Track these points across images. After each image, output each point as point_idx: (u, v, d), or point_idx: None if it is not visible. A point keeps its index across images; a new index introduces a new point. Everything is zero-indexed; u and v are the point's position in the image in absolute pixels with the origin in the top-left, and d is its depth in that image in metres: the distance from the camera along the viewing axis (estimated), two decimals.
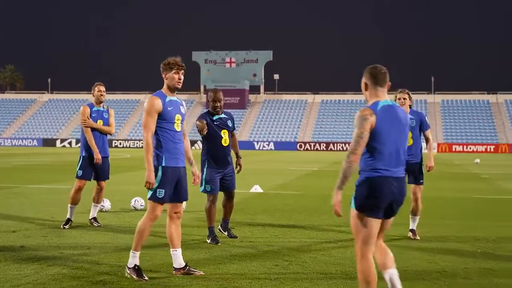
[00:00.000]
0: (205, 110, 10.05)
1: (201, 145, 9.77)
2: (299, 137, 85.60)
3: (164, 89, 7.01)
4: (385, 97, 5.26)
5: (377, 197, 5.10)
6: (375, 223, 5.16)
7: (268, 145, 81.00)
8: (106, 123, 10.88)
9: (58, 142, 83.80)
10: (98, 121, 10.79)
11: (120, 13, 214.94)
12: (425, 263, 7.95)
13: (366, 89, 5.31)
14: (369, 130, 5.11)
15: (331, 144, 78.87)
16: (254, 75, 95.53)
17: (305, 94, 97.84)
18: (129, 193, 16.63)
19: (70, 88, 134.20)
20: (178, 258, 7.08)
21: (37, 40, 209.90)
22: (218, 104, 9.30)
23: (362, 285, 5.17)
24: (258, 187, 18.39)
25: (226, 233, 9.83)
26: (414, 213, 10.07)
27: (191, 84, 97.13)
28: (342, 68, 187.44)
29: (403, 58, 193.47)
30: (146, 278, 6.75)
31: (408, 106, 9.87)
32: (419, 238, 9.93)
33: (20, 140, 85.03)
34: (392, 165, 5.18)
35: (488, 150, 75.49)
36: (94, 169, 10.81)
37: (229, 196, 9.70)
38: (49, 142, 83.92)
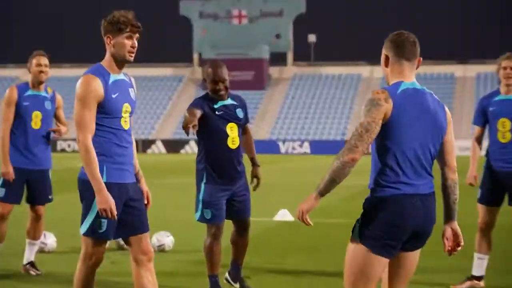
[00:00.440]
0: (202, 94, 8.52)
1: (195, 149, 8.71)
2: (348, 133, 66.42)
3: (107, 62, 5.42)
4: (412, 77, 4.45)
5: (393, 226, 4.32)
6: (383, 263, 4.41)
7: (300, 146, 64.41)
8: (49, 117, 8.76)
9: None
10: (35, 113, 8.68)
11: None
12: None
13: (386, 65, 4.54)
14: (381, 122, 4.27)
15: None
16: (277, 36, 66.44)
17: (358, 64, 68.92)
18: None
19: None
20: None
21: None
22: (222, 86, 7.49)
23: None
24: (287, 213, 15.44)
25: (237, 285, 8.05)
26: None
27: (178, 52, 69.88)
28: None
29: None
30: None
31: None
32: None
33: None
34: (415, 176, 4.37)
35: None
36: (26, 187, 8.72)
37: (242, 227, 7.87)
38: None
